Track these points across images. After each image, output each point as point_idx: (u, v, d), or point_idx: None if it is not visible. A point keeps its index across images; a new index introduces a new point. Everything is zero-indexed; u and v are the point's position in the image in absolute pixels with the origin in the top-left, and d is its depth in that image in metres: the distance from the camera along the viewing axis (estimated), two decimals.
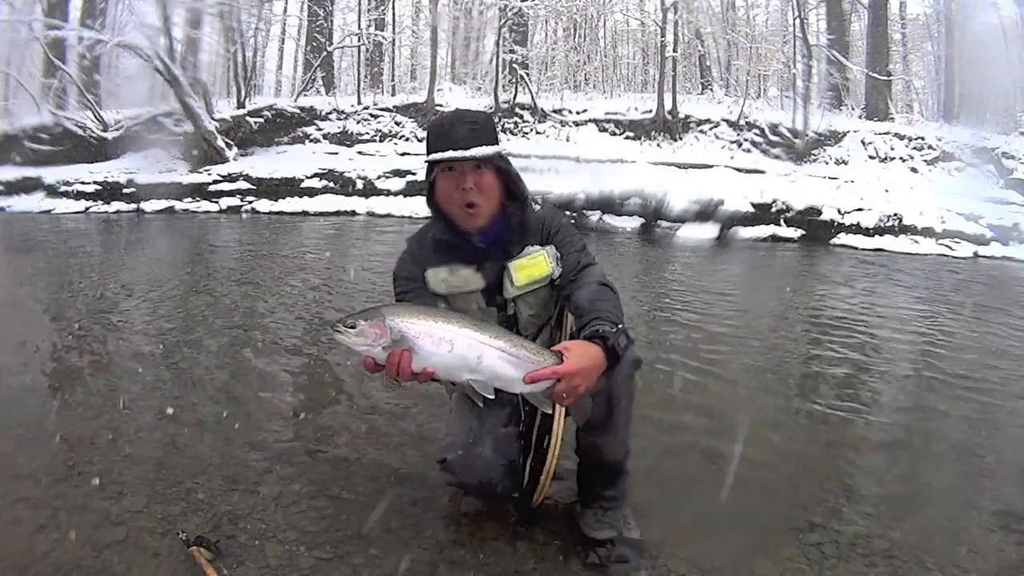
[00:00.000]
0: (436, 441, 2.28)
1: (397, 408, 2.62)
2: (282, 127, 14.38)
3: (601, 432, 1.64)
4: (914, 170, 13.30)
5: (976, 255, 9.76)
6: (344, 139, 14.39)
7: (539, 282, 1.67)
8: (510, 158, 1.70)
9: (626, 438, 1.69)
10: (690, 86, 19.58)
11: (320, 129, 14.54)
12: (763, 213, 10.33)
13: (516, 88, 15.14)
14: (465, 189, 1.57)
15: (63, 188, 12.22)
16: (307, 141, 14.34)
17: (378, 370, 1.41)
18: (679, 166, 12.39)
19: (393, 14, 20.58)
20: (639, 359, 1.63)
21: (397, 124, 14.67)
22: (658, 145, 14.04)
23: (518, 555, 1.65)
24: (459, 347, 1.39)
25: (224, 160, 12.89)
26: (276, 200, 12.01)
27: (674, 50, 15.20)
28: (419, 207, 11.15)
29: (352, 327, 1.37)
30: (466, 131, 1.55)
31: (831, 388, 3.13)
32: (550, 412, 1.65)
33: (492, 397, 1.44)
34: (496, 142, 1.60)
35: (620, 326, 1.49)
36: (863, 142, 13.72)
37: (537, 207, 1.75)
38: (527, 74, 17.71)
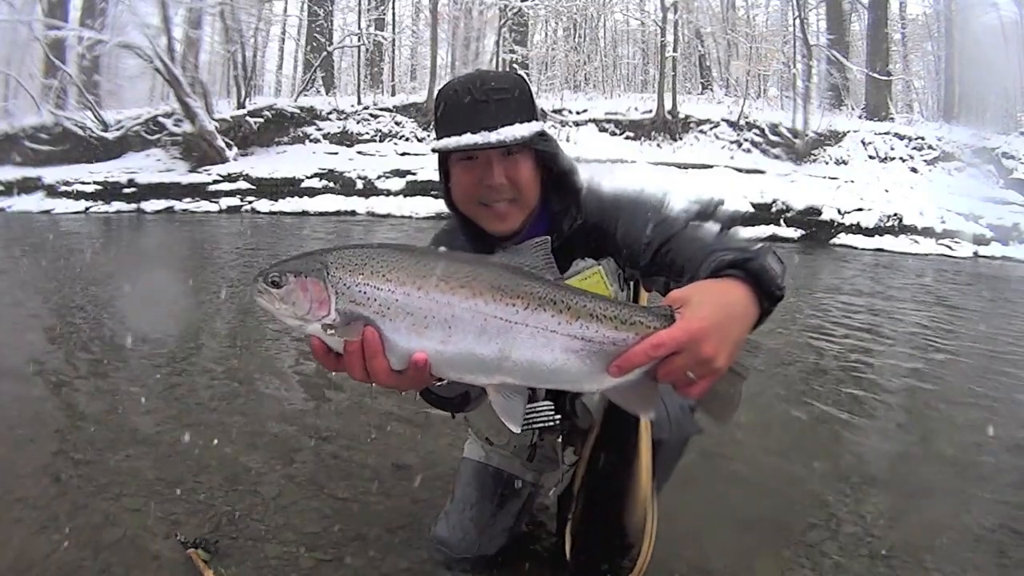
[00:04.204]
0: (439, 442, 2.29)
1: (399, 408, 2.61)
2: (282, 127, 14.40)
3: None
4: (914, 170, 13.32)
5: (976, 255, 9.77)
6: (344, 139, 14.40)
7: None
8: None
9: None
10: (690, 86, 19.61)
11: (320, 129, 14.56)
12: (763, 213, 10.34)
13: None
14: (491, 185, 1.14)
15: (63, 188, 12.25)
16: (307, 141, 14.36)
17: (338, 367, 0.85)
18: (679, 166, 12.41)
19: (393, 14, 20.62)
20: (699, 427, 1.32)
21: (397, 124, 14.68)
22: (658, 145, 14.05)
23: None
24: (464, 330, 0.80)
25: (224, 160, 12.90)
26: (276, 200, 12.03)
27: (674, 50, 15.22)
28: (419, 207, 11.19)
29: (276, 284, 0.82)
30: (490, 104, 1.10)
31: (831, 387, 3.12)
32: (653, 417, 1.07)
33: (518, 431, 0.87)
34: (533, 116, 1.14)
35: (761, 246, 0.96)
36: (863, 142, 13.73)
37: (585, 189, 1.26)
38: (527, 74, 17.74)
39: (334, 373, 0.87)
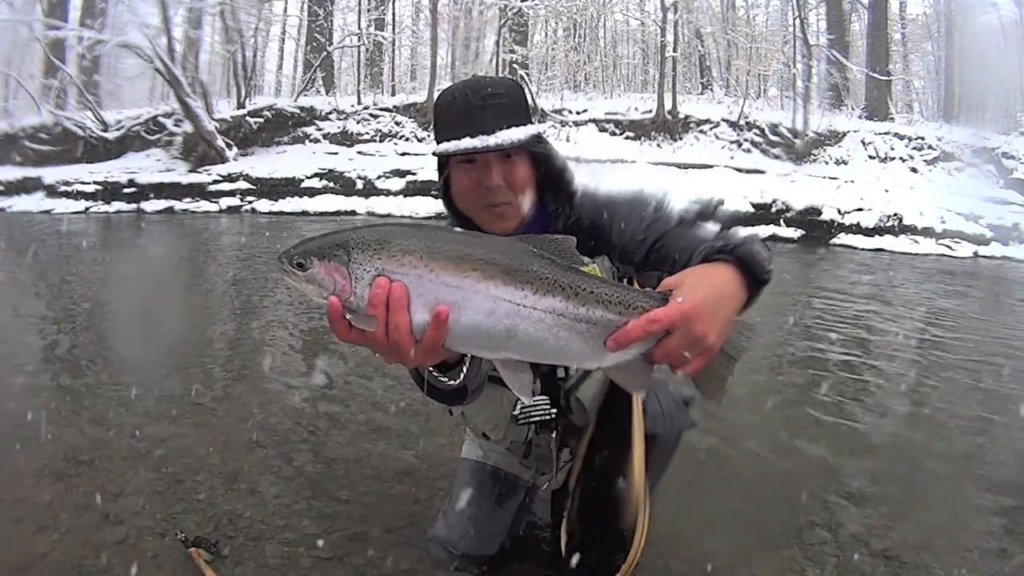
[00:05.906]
0: (438, 442, 2.29)
1: (399, 407, 2.62)
2: (282, 127, 14.40)
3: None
4: (914, 170, 13.31)
5: (976, 255, 9.76)
6: (344, 139, 14.40)
7: None
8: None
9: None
10: (690, 86, 19.61)
11: (320, 129, 14.56)
12: (763, 213, 10.33)
13: None
14: (490, 187, 1.18)
15: (63, 188, 12.25)
16: (307, 141, 14.36)
17: (349, 335, 0.86)
18: (679, 166, 12.41)
19: (393, 14, 20.61)
20: (693, 421, 1.37)
21: (397, 124, 14.68)
22: (658, 145, 14.05)
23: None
24: (473, 311, 0.84)
25: (224, 160, 12.90)
26: (276, 200, 12.03)
27: (674, 50, 15.22)
28: (419, 207, 11.18)
29: (301, 266, 0.88)
30: (488, 109, 1.15)
31: (831, 388, 3.12)
32: (645, 396, 1.18)
33: (528, 401, 0.98)
34: (529, 119, 1.18)
35: (748, 235, 1.02)
36: (863, 142, 13.73)
37: (580, 191, 1.31)
38: (527, 74, 17.74)
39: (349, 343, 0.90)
